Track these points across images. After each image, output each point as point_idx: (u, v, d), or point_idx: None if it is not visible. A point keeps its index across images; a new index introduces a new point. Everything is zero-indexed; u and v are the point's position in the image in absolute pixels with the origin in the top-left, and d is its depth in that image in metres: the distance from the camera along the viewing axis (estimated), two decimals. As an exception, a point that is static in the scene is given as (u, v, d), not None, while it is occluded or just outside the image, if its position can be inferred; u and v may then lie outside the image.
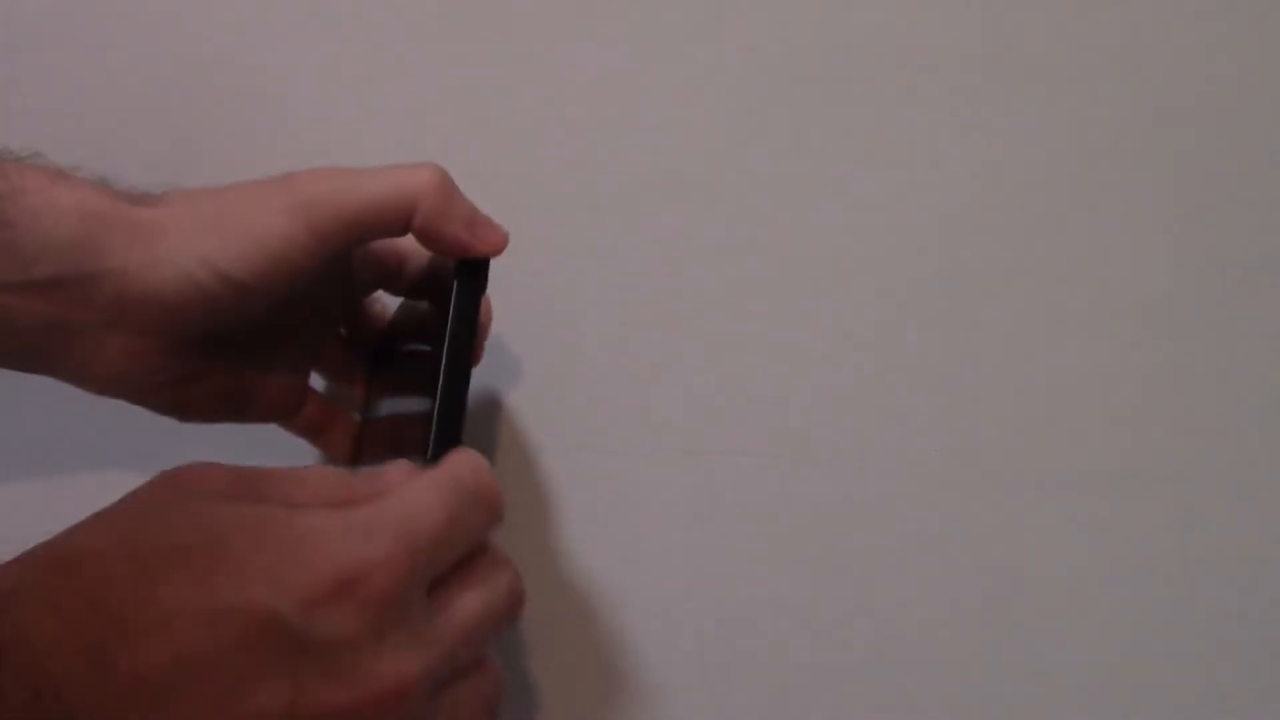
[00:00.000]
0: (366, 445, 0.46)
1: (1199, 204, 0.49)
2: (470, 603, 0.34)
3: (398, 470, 0.35)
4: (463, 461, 0.35)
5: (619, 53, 0.51)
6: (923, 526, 0.48)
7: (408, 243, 0.45)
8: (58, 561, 0.30)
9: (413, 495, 0.33)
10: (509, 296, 0.49)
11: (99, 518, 0.31)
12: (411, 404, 0.43)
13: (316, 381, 0.48)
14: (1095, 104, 0.50)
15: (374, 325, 0.48)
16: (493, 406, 0.49)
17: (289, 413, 0.45)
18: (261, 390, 0.44)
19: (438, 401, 0.39)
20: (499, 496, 0.35)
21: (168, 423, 0.43)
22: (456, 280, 0.41)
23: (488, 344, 0.47)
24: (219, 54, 0.51)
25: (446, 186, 0.40)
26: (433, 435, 0.39)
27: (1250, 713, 0.47)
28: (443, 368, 0.39)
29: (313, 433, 0.47)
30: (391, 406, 0.45)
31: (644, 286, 0.49)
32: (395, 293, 0.47)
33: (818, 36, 0.50)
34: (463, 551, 0.34)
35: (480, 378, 0.49)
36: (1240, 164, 0.49)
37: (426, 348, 0.42)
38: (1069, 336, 0.49)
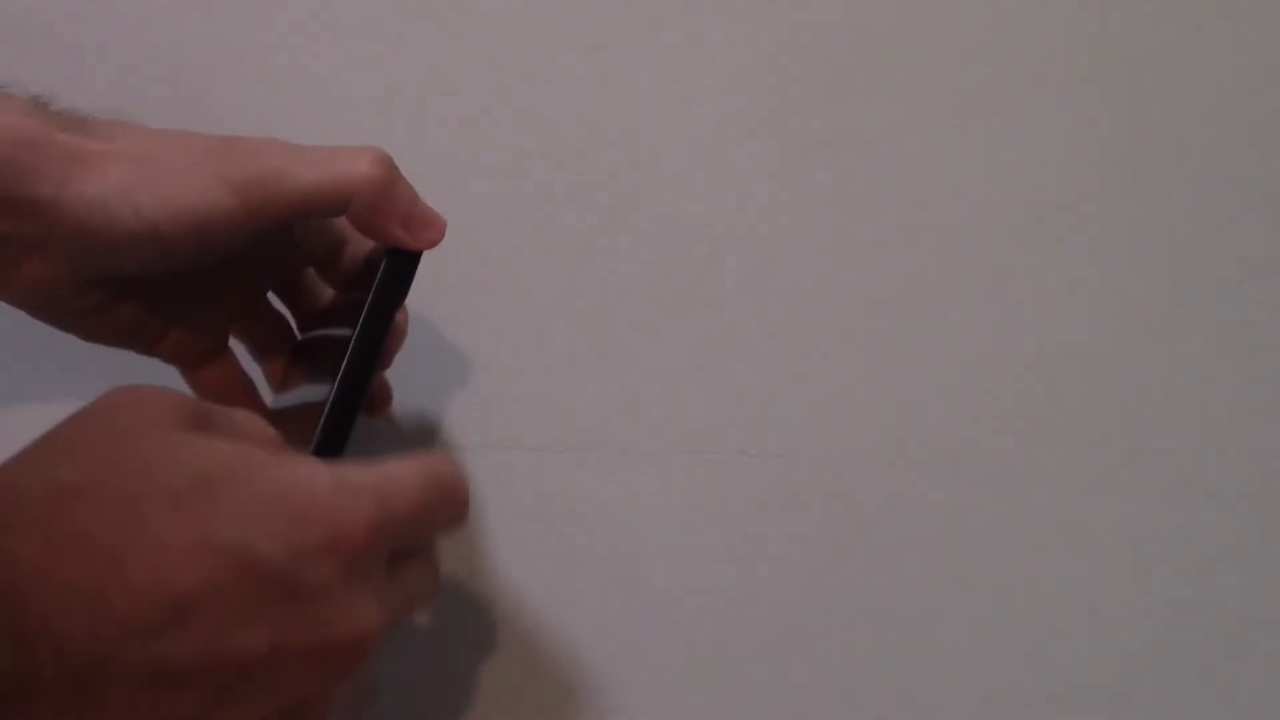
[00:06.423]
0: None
1: (1202, 204, 0.49)
2: (412, 580, 0.36)
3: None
4: (444, 460, 0.37)
5: (609, 47, 0.51)
6: (923, 526, 0.48)
7: (350, 227, 0.45)
8: (48, 495, 0.30)
9: (396, 471, 0.34)
10: (508, 295, 0.49)
11: (74, 447, 0.31)
12: (317, 392, 0.42)
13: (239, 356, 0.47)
14: (1096, 105, 0.50)
15: (310, 301, 0.47)
16: (494, 407, 0.49)
17: (197, 360, 0.45)
18: (172, 332, 0.44)
19: (335, 386, 0.39)
20: (467, 502, 0.37)
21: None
22: (384, 265, 0.40)
23: (490, 341, 0.47)
24: (214, 46, 0.51)
25: (387, 179, 0.40)
26: (321, 421, 0.39)
27: (1251, 712, 0.47)
28: (348, 353, 0.39)
29: (220, 403, 0.46)
30: (306, 395, 0.44)
31: (644, 285, 0.49)
32: (330, 278, 0.46)
33: (813, 32, 0.50)
34: (424, 539, 0.36)
35: (477, 377, 0.49)
36: (1245, 162, 0.50)
37: (337, 334, 0.42)
38: (1071, 337, 0.49)
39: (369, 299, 0.40)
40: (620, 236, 0.50)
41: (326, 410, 0.39)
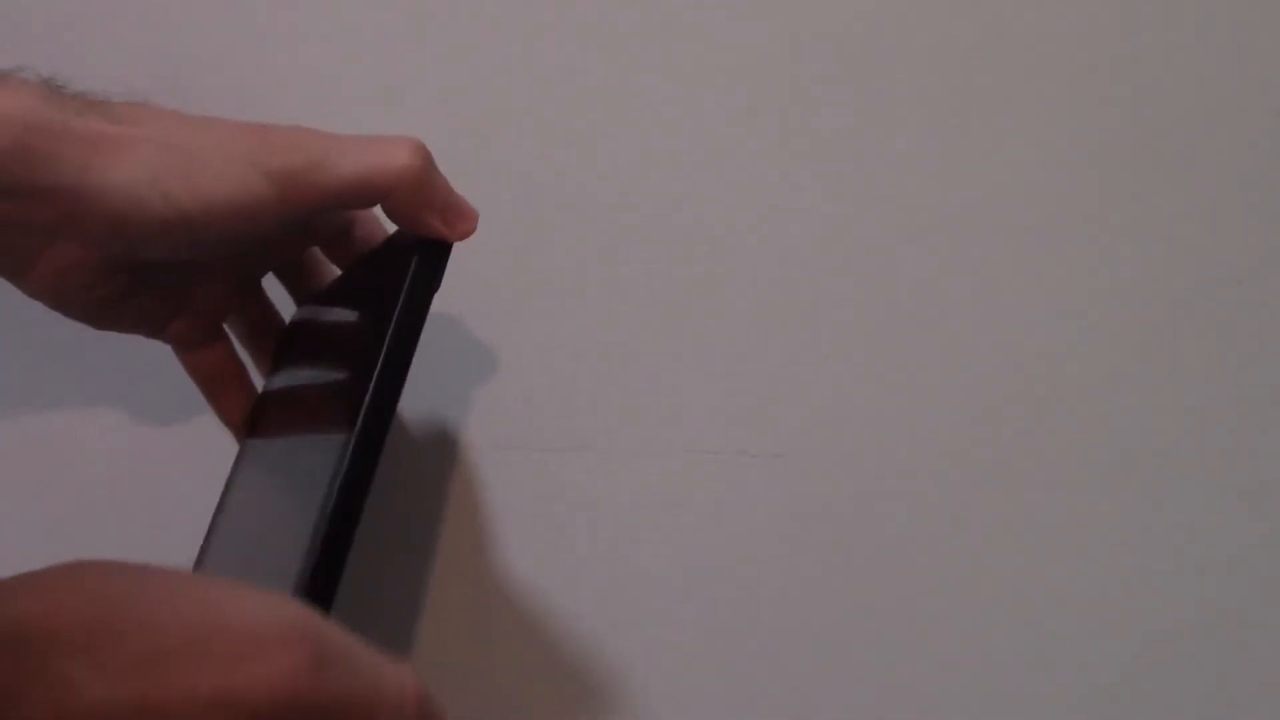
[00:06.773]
0: (264, 415, 0.45)
1: (1202, 204, 0.49)
2: None
3: None
4: None
5: (614, 49, 0.51)
6: (923, 526, 0.48)
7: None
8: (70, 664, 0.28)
9: None
10: (508, 297, 0.49)
11: (120, 662, 0.29)
12: (327, 375, 0.41)
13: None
14: (1096, 105, 0.50)
15: (309, 280, 0.47)
16: (495, 407, 0.49)
17: (196, 342, 0.45)
18: (180, 314, 0.44)
19: (377, 376, 0.38)
20: None
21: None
22: (416, 258, 0.40)
23: (491, 341, 0.46)
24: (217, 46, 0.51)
25: (424, 173, 0.40)
26: (363, 412, 0.37)
27: (1250, 713, 0.47)
28: (385, 346, 0.38)
29: (213, 385, 0.46)
30: (298, 378, 0.44)
31: (644, 285, 0.49)
32: (337, 258, 0.46)
33: (815, 32, 0.50)
34: None
35: (479, 378, 0.49)
36: (1245, 162, 0.49)
37: (350, 318, 0.41)
38: (1070, 337, 0.49)
39: (404, 291, 0.39)
40: (620, 237, 0.50)
41: (367, 402, 0.38)
